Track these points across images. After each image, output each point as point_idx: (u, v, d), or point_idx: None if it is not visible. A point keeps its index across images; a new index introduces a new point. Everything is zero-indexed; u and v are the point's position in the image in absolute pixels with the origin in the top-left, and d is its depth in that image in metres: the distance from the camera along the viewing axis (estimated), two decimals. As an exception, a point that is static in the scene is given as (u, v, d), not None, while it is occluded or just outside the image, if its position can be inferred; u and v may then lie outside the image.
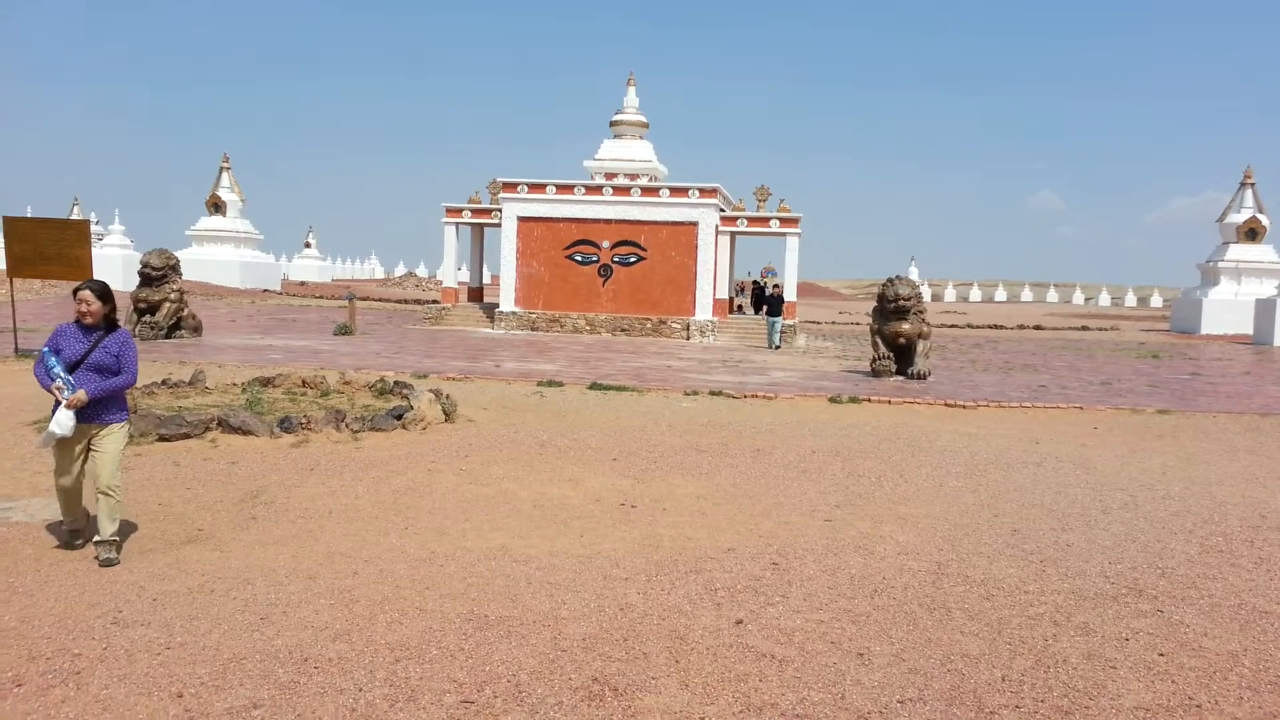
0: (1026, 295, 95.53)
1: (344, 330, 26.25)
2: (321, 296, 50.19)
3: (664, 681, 4.52)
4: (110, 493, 6.06)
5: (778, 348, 27.06)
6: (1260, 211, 41.75)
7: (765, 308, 28.86)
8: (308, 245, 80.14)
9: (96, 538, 6.08)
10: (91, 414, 6.07)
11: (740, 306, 36.36)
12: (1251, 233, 41.41)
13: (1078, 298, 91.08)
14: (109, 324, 6.23)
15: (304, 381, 13.19)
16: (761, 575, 6.15)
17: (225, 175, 51.27)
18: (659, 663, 4.72)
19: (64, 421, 5.97)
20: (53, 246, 16.56)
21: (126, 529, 6.58)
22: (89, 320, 6.12)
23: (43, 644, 4.66)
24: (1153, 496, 8.88)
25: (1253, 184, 42.11)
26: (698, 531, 7.17)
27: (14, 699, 4.09)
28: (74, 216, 50.60)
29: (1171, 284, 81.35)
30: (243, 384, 13.12)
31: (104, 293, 6.22)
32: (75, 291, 6.23)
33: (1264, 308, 34.79)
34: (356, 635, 4.93)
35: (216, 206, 50.70)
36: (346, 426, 10.48)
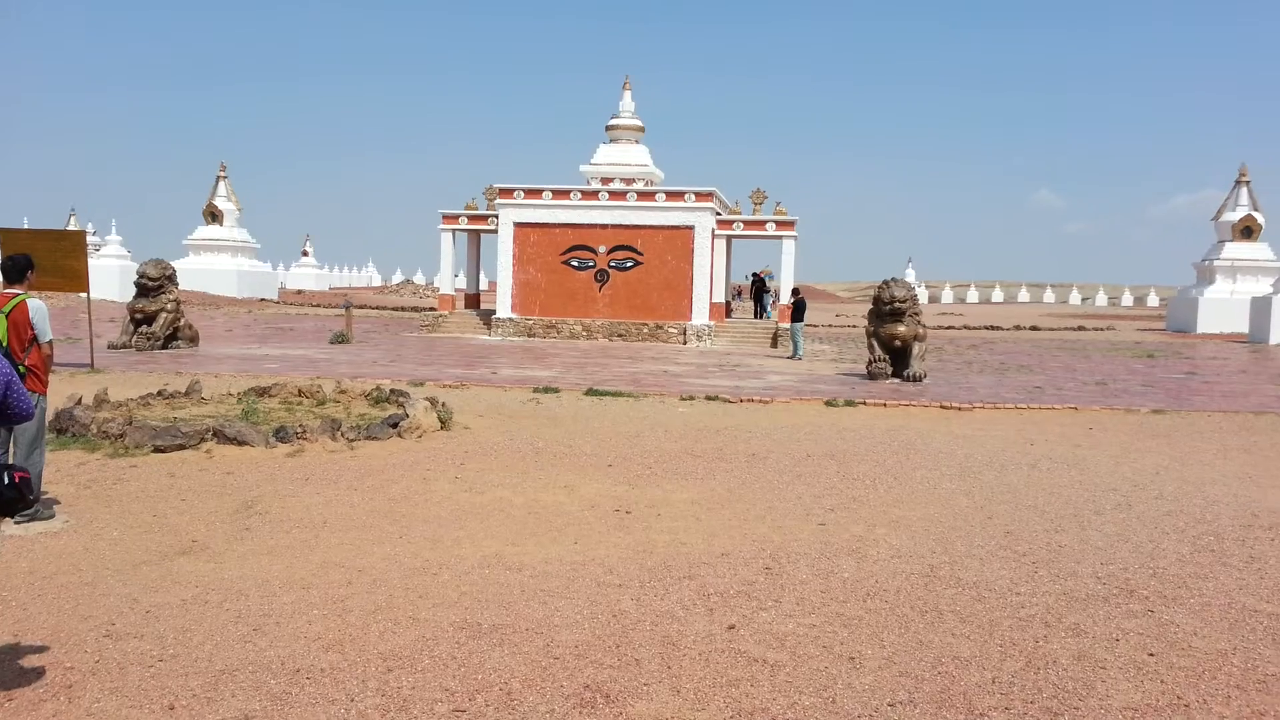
0: (1023, 296, 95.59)
1: (341, 339, 26.27)
2: (319, 305, 50.18)
3: (656, 688, 4.53)
4: None
5: (800, 358, 24.62)
6: (1255, 209, 41.79)
7: (788, 314, 26.21)
8: (305, 254, 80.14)
9: None
10: None
11: (731, 308, 36.16)
12: (1247, 230, 41.45)
13: (1074, 298, 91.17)
14: None
15: (300, 391, 13.22)
16: (755, 580, 6.16)
17: (222, 184, 51.33)
18: (651, 669, 4.74)
19: None
20: (49, 258, 16.39)
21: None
22: None
23: (34, 658, 4.68)
24: (1145, 497, 8.90)
25: (1248, 182, 42.19)
26: (692, 537, 7.19)
27: (5, 713, 4.11)
28: (70, 227, 50.69)
29: (1169, 283, 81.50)
30: (239, 394, 13.14)
31: None
32: None
33: (1259, 306, 34.85)
34: (349, 645, 4.95)
35: (213, 215, 50.70)
36: (342, 435, 10.50)
